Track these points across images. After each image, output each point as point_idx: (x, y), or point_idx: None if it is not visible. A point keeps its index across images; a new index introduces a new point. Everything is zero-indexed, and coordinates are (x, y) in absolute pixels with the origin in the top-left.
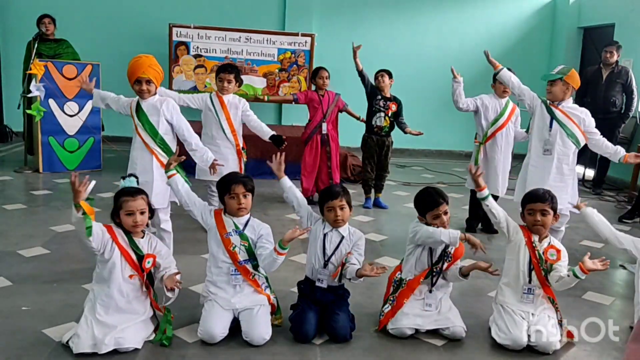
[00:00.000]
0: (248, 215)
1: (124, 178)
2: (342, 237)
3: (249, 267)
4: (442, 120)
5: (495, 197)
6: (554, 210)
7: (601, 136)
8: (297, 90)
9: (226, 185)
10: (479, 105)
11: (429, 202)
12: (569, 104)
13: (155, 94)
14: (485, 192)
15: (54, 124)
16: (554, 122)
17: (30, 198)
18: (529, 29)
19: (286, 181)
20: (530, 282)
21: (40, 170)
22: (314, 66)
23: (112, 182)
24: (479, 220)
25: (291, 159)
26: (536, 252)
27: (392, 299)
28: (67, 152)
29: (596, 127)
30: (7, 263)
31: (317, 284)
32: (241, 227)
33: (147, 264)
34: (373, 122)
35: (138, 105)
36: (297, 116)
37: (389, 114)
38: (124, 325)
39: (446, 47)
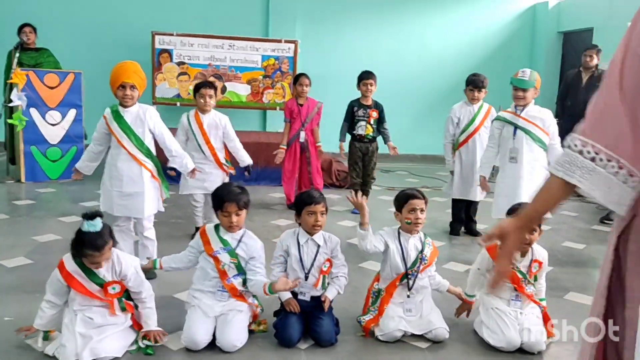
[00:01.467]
0: (242, 231)
1: (86, 217)
2: (319, 246)
3: (236, 284)
4: (425, 125)
5: (472, 202)
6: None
7: (558, 145)
8: (281, 96)
9: (219, 202)
10: (455, 122)
11: (406, 195)
12: (531, 107)
13: (136, 102)
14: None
15: (36, 134)
16: (517, 130)
17: (12, 208)
18: (510, 34)
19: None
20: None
21: (23, 180)
22: (297, 72)
23: (95, 190)
24: (462, 223)
25: (276, 165)
26: (517, 273)
27: (373, 309)
28: (49, 162)
29: None
30: None
31: (300, 297)
32: (233, 244)
33: (112, 290)
34: (355, 131)
35: (117, 114)
36: (282, 123)
37: (371, 122)
38: (101, 335)
39: (428, 53)
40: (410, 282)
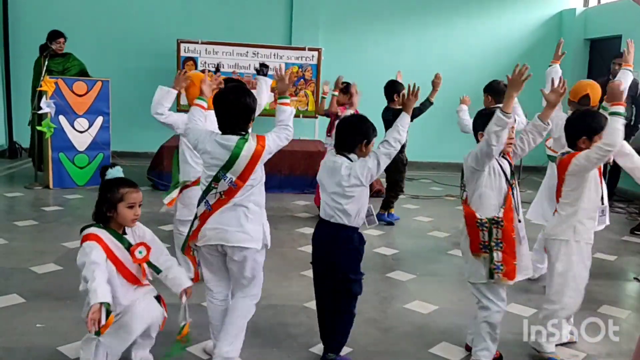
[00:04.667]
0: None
1: (107, 168)
2: None
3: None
4: (449, 132)
5: None
6: None
7: None
8: (304, 104)
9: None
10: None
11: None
12: None
13: None
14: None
15: (64, 140)
16: None
17: (41, 214)
18: (535, 41)
19: None
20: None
21: (51, 186)
22: (321, 80)
23: None
24: None
25: (300, 173)
26: None
27: (496, 246)
28: (77, 168)
29: None
30: (19, 280)
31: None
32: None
33: (139, 254)
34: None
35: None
36: (305, 130)
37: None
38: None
39: (452, 60)
40: (516, 197)
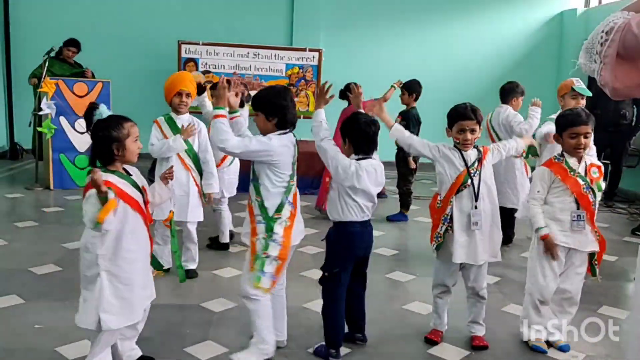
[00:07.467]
0: None
1: (92, 108)
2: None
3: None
4: None
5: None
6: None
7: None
8: (305, 105)
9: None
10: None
11: (456, 114)
12: None
13: (188, 110)
14: None
15: (64, 141)
16: None
17: (41, 215)
18: (537, 42)
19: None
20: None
21: (51, 187)
22: (322, 81)
23: None
24: None
25: (300, 173)
26: (578, 179)
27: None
28: (77, 169)
29: (607, 139)
30: (19, 281)
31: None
32: None
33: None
34: None
35: (171, 121)
36: (306, 131)
37: None
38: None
39: (453, 61)
40: (475, 182)
